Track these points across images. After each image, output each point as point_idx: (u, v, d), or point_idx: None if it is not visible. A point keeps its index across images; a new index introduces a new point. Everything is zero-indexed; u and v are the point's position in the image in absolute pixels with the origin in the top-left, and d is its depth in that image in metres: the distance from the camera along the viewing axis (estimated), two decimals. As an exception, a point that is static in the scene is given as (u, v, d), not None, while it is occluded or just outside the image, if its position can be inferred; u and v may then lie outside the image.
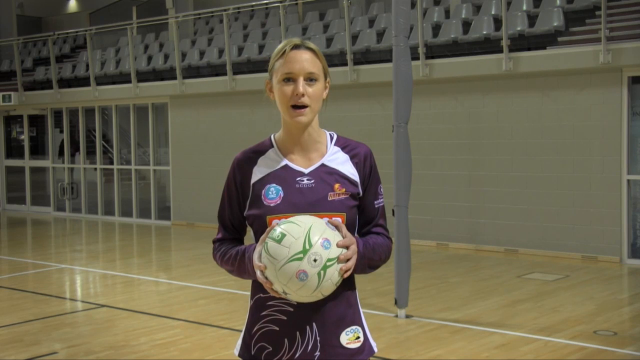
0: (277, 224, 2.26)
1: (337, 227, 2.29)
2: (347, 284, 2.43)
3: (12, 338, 6.48)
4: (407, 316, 6.89)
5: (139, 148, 15.14)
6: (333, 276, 2.20)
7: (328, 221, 2.29)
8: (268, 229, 2.28)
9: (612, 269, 9.11)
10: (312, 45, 2.39)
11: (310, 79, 2.36)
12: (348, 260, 2.25)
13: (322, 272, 2.17)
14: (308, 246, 2.16)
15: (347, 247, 2.26)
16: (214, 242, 2.54)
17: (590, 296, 7.68)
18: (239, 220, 2.47)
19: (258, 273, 2.26)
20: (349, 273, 2.27)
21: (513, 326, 6.56)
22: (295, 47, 2.36)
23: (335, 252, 2.20)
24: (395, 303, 6.87)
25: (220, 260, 2.50)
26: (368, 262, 2.40)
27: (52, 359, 5.92)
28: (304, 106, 2.35)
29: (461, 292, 7.98)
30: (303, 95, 2.34)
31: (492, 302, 7.49)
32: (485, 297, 7.69)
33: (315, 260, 2.16)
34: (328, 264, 2.17)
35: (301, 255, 2.16)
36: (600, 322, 6.64)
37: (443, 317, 6.91)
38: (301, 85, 2.34)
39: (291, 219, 2.25)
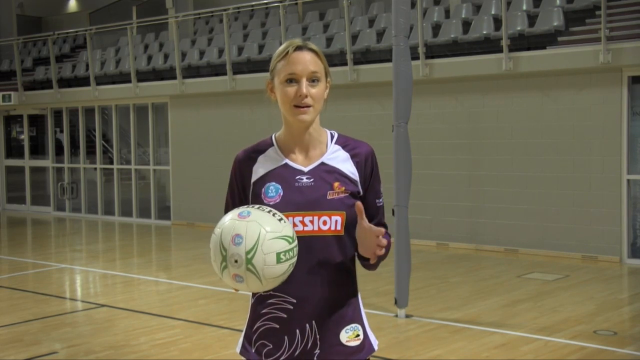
0: None
1: (360, 216, 2.28)
2: (347, 283, 2.44)
3: (12, 338, 6.48)
4: (407, 316, 6.89)
5: (139, 148, 15.14)
6: (267, 260, 2.15)
7: (357, 206, 2.28)
8: None
9: (612, 268, 9.11)
10: (313, 46, 2.41)
11: (313, 79, 2.37)
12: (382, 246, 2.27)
13: (249, 266, 2.15)
14: (224, 252, 2.17)
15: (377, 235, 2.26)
16: None
17: (590, 296, 7.68)
18: None
19: None
20: (382, 252, 2.27)
21: (513, 326, 6.57)
22: (298, 48, 2.38)
23: (251, 241, 2.14)
24: (395, 303, 6.87)
25: None
26: (383, 258, 2.42)
27: (52, 358, 5.92)
28: (307, 106, 2.36)
29: (461, 292, 7.98)
30: (306, 96, 2.35)
31: (492, 302, 7.50)
32: (485, 297, 7.69)
33: (236, 261, 2.16)
34: (249, 256, 2.14)
35: (224, 262, 2.18)
36: (600, 322, 6.64)
37: (443, 317, 6.91)
38: (304, 86, 2.35)
39: (215, 229, 2.25)
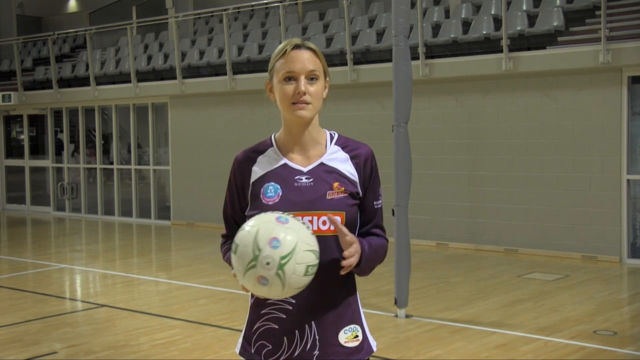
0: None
1: (335, 226, 2.28)
2: (347, 283, 2.44)
3: (12, 338, 6.48)
4: (407, 316, 6.89)
5: (139, 148, 15.14)
6: (296, 271, 2.16)
7: (329, 218, 2.29)
8: None
9: (612, 268, 9.11)
10: (312, 45, 2.41)
11: (311, 77, 2.38)
12: (350, 257, 2.25)
13: (279, 272, 2.15)
14: (257, 252, 2.15)
15: (350, 245, 2.26)
16: (222, 236, 2.59)
17: (590, 296, 7.68)
18: (242, 218, 2.48)
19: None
20: (347, 270, 2.27)
21: (513, 326, 6.56)
22: (296, 47, 2.39)
23: (287, 247, 2.15)
24: (395, 303, 6.87)
25: (223, 256, 2.55)
26: (372, 264, 2.42)
27: (52, 358, 5.92)
28: (306, 102, 2.37)
29: (461, 292, 7.98)
30: (305, 93, 2.36)
31: (492, 302, 7.49)
32: (485, 297, 7.69)
33: (268, 264, 2.14)
34: (282, 262, 2.14)
35: (254, 262, 2.15)
36: (600, 322, 6.64)
37: (443, 317, 6.91)
38: (302, 83, 2.36)
39: (244, 225, 2.24)
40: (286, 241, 2.16)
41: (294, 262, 2.15)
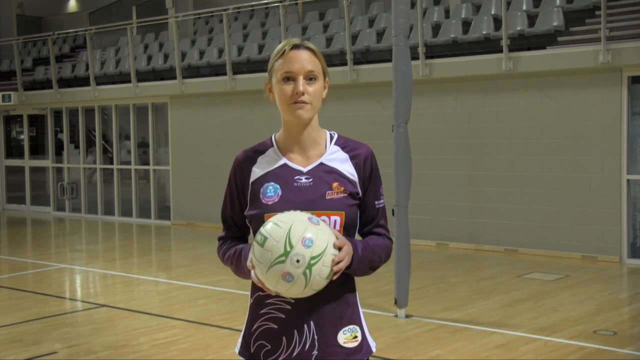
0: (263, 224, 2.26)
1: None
2: (346, 284, 2.44)
3: (12, 338, 6.48)
4: (407, 316, 6.89)
5: (139, 148, 15.14)
6: (321, 272, 2.19)
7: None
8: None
9: (612, 268, 9.11)
10: (311, 45, 2.41)
11: (310, 77, 2.38)
12: (340, 261, 2.25)
13: (307, 271, 2.16)
14: (289, 248, 2.16)
15: (339, 249, 2.26)
16: (219, 239, 2.58)
17: (590, 296, 7.68)
18: (241, 219, 2.49)
19: (252, 273, 2.28)
20: (338, 275, 2.27)
21: (513, 326, 6.56)
22: (295, 47, 2.38)
23: (319, 248, 2.17)
24: (395, 303, 6.87)
25: (222, 258, 2.54)
26: (369, 264, 2.41)
27: (52, 358, 5.92)
28: (304, 102, 2.37)
29: (461, 292, 7.98)
30: (303, 93, 2.35)
31: (492, 302, 7.49)
32: (485, 297, 7.69)
33: (298, 261, 2.15)
34: (312, 262, 2.16)
35: (283, 257, 2.16)
36: (600, 322, 6.64)
37: (443, 317, 6.91)
38: (301, 84, 2.35)
39: (273, 218, 2.24)
40: (318, 241, 2.18)
41: (321, 263, 2.18)
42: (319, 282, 2.21)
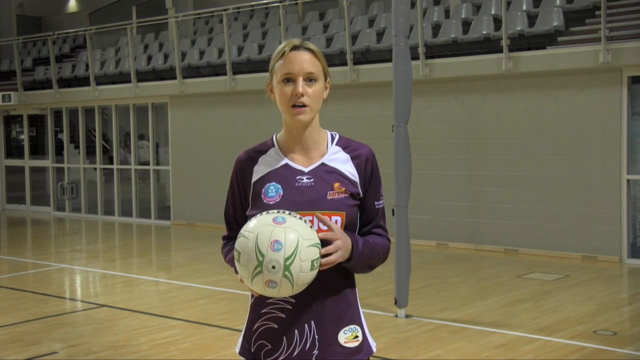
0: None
1: (324, 223, 2.29)
2: (346, 283, 2.44)
3: (12, 338, 6.48)
4: (407, 316, 6.89)
5: (139, 148, 15.14)
6: (302, 268, 2.17)
7: (315, 215, 2.30)
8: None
9: (612, 268, 9.11)
10: (311, 46, 2.40)
11: (310, 79, 2.38)
12: (330, 254, 2.25)
13: (286, 273, 2.16)
14: (261, 257, 2.15)
15: (330, 241, 2.26)
16: (223, 238, 2.59)
17: (590, 296, 7.68)
18: (243, 219, 2.49)
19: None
20: (327, 267, 2.26)
21: (513, 326, 6.57)
22: (295, 47, 2.38)
23: (290, 247, 2.15)
24: (395, 303, 6.87)
25: (224, 258, 2.56)
26: (368, 261, 2.41)
27: (52, 358, 5.92)
28: (304, 105, 2.36)
29: (461, 292, 7.98)
30: (302, 95, 2.36)
31: (492, 302, 7.50)
32: (485, 297, 7.69)
33: (273, 267, 2.15)
34: (287, 263, 2.15)
35: (259, 268, 2.16)
36: (600, 322, 6.64)
37: (443, 317, 6.91)
38: (300, 85, 2.35)
39: (242, 230, 2.24)
40: (288, 241, 2.16)
41: (298, 260, 2.16)
42: (305, 277, 2.19)
